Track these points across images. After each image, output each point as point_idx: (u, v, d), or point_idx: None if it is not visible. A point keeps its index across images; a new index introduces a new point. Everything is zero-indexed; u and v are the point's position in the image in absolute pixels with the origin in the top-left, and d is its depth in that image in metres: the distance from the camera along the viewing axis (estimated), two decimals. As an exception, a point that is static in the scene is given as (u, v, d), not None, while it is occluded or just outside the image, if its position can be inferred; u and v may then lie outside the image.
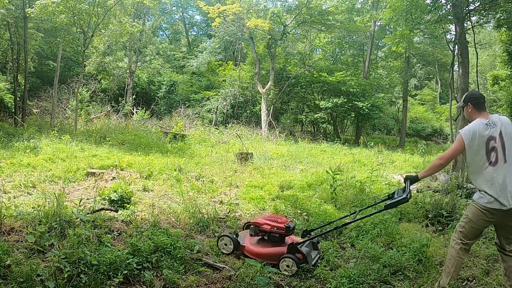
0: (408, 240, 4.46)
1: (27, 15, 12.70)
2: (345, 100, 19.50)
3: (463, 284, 3.70)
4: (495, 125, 3.23)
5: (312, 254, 3.94)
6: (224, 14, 20.49)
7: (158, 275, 3.38)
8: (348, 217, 4.37)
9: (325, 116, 21.40)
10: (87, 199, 5.45)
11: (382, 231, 4.83)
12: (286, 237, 4.04)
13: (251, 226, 4.12)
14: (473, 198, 3.32)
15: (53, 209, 4.20)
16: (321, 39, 27.04)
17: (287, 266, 3.75)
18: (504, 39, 17.64)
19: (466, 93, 3.54)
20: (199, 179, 7.49)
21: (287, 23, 20.93)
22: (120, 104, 21.88)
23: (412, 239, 4.41)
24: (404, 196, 3.43)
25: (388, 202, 3.54)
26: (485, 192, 3.17)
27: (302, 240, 3.93)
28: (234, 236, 4.13)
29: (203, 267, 3.63)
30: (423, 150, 15.02)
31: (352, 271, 3.67)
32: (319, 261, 3.95)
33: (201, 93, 24.21)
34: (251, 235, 4.12)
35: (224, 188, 7.07)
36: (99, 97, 21.96)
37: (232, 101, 22.64)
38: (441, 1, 10.02)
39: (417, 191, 7.46)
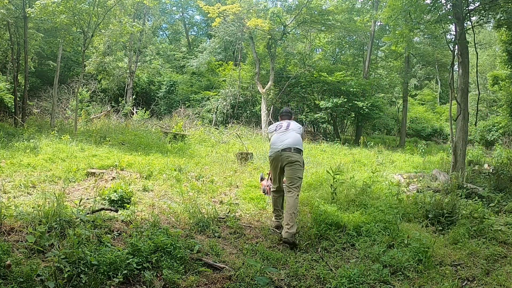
0: (410, 240, 4.46)
1: (27, 15, 12.70)
2: (345, 100, 19.48)
3: (463, 284, 3.70)
4: (287, 121, 5.32)
5: None
6: (224, 14, 20.48)
7: (158, 275, 3.37)
8: None
9: (325, 116, 21.39)
10: (87, 199, 5.44)
11: (385, 231, 4.83)
12: None
13: None
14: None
15: (53, 209, 4.19)
16: (321, 39, 27.04)
17: None
18: (504, 39, 17.65)
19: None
20: (199, 179, 7.49)
21: (287, 23, 20.92)
22: (120, 104, 21.87)
23: (415, 239, 4.41)
24: None
25: None
26: (270, 146, 5.16)
27: None
28: None
29: (203, 267, 3.63)
30: (423, 150, 15.01)
31: (352, 271, 3.67)
32: None
33: (201, 93, 24.21)
34: None
35: (224, 188, 7.07)
36: (99, 97, 21.95)
37: (232, 101, 22.63)
38: (441, 1, 10.00)
39: (417, 191, 7.46)
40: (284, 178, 5.09)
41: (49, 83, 20.44)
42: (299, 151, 4.92)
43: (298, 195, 4.80)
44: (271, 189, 5.23)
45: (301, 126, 5.30)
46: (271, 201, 5.34)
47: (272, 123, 5.89)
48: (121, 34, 16.36)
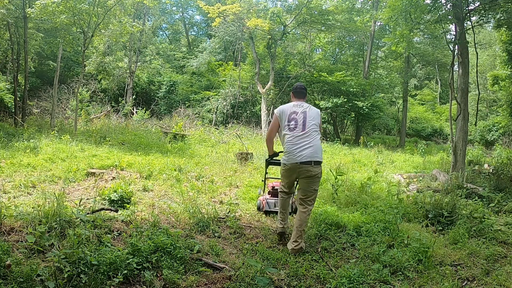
0: (410, 240, 4.46)
1: (27, 15, 12.70)
2: (345, 100, 19.48)
3: (463, 284, 3.70)
4: (302, 106, 4.34)
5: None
6: (224, 14, 20.48)
7: (158, 275, 3.38)
8: None
9: (325, 116, 21.40)
10: (87, 199, 5.44)
11: (385, 231, 4.83)
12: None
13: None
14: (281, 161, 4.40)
15: (53, 209, 4.19)
16: (321, 39, 27.03)
17: None
18: (504, 39, 17.65)
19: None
20: (199, 179, 7.49)
21: (287, 23, 20.92)
22: (120, 104, 21.88)
23: (415, 238, 4.41)
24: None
25: None
26: (286, 152, 4.26)
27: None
28: None
29: (203, 267, 3.63)
30: (423, 150, 15.02)
31: (352, 271, 3.67)
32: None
33: (201, 93, 24.21)
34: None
35: (224, 188, 7.07)
36: (99, 97, 21.96)
37: (232, 101, 22.63)
38: (441, 1, 10.00)
39: (417, 191, 7.46)
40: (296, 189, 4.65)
41: (49, 83, 20.44)
42: (319, 163, 4.28)
43: (311, 211, 4.40)
44: (280, 190, 4.57)
45: (318, 111, 4.45)
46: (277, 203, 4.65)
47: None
48: (121, 34, 16.35)
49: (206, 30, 35.76)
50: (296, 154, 4.17)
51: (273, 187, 5.64)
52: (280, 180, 5.27)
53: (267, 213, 5.52)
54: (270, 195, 5.66)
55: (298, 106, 4.34)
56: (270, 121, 19.45)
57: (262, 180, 5.77)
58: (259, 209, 5.65)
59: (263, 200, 5.63)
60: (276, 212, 5.24)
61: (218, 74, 25.81)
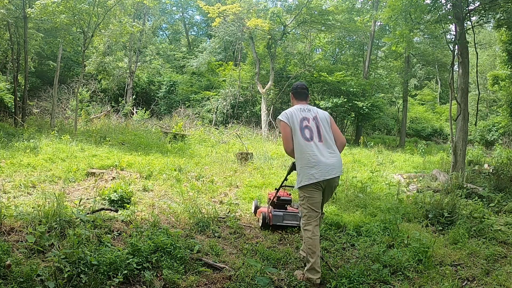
0: (410, 240, 4.46)
1: (27, 15, 12.70)
2: (345, 100, 19.49)
3: (463, 284, 3.70)
4: (310, 111, 3.77)
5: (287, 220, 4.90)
6: (224, 14, 20.49)
7: (158, 275, 3.38)
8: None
9: (325, 116, 21.39)
10: (87, 199, 5.44)
11: (385, 231, 4.83)
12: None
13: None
14: (298, 184, 3.67)
15: (53, 209, 4.19)
16: (321, 39, 27.04)
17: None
18: (504, 39, 17.64)
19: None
20: (199, 179, 7.49)
21: (287, 23, 20.92)
22: (120, 104, 21.89)
23: (415, 238, 4.41)
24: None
25: None
26: (310, 166, 3.55)
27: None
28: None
29: (203, 267, 3.63)
30: (423, 150, 15.01)
31: (352, 271, 3.67)
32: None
33: (201, 93, 24.22)
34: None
35: (224, 188, 7.07)
36: (99, 97, 21.98)
37: (232, 101, 22.63)
38: (441, 1, 10.00)
39: (417, 191, 7.47)
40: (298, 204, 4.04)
41: (49, 83, 20.44)
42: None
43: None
44: (308, 218, 3.65)
45: (327, 114, 3.87)
46: (304, 244, 3.73)
47: (274, 122, 4.28)
48: (121, 34, 16.36)
49: (206, 30, 35.77)
50: (321, 169, 3.54)
51: (278, 197, 4.99)
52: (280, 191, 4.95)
53: (275, 228, 4.90)
54: (274, 207, 5.03)
55: (305, 111, 3.75)
56: (270, 121, 19.73)
57: (276, 189, 4.98)
58: (264, 224, 4.89)
59: (269, 213, 4.91)
60: (288, 226, 4.85)
61: (218, 74, 25.82)
